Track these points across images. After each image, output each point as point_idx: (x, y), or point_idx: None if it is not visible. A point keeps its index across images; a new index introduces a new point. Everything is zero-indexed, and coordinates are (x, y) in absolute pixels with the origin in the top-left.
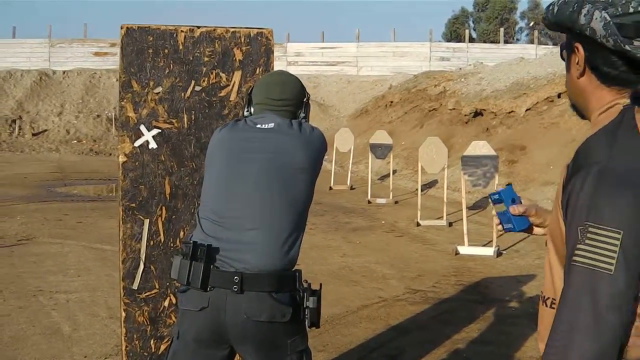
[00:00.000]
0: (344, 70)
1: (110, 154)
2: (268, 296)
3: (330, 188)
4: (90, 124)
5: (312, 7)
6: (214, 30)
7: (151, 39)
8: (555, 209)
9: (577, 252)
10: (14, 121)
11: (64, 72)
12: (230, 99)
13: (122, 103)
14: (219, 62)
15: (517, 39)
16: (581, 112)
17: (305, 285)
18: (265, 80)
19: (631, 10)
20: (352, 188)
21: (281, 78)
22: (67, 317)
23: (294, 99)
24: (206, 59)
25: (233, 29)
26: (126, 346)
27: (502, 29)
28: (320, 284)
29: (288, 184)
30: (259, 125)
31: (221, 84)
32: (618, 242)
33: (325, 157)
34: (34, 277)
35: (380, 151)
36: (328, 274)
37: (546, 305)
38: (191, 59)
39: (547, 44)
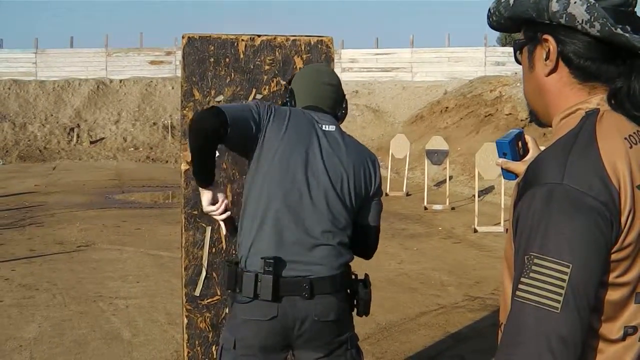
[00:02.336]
0: (399, 76)
1: (167, 162)
2: (332, 297)
3: (386, 194)
4: (147, 132)
5: (366, 13)
6: (275, 38)
7: (212, 48)
8: (509, 232)
9: (520, 285)
10: (72, 129)
11: (120, 80)
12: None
13: (184, 112)
14: (280, 70)
15: None
16: (541, 118)
17: (353, 277)
18: (314, 78)
19: None
20: (408, 194)
21: (331, 79)
22: (127, 323)
23: (341, 100)
24: (267, 67)
25: (293, 37)
26: (188, 352)
27: None
28: (366, 274)
29: (345, 191)
30: (323, 128)
31: (282, 92)
32: (566, 277)
33: (381, 162)
34: (94, 283)
35: (437, 157)
36: (385, 280)
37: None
38: (252, 67)
39: None
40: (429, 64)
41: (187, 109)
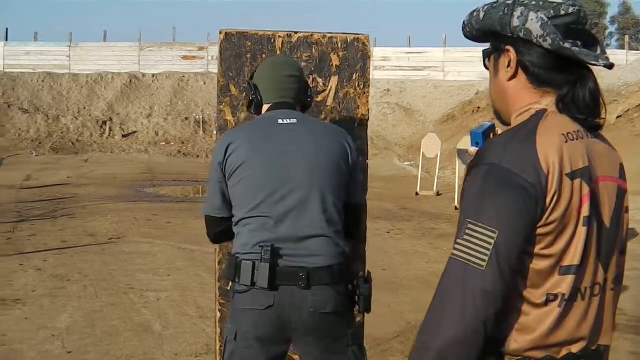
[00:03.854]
0: (431, 75)
1: (198, 156)
2: (330, 289)
3: (417, 194)
4: (179, 126)
5: (399, 12)
6: (311, 35)
7: (249, 44)
8: None
9: (455, 245)
10: (104, 123)
11: (153, 75)
12: (327, 104)
13: (221, 107)
14: (316, 67)
15: (607, 44)
16: (503, 116)
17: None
18: (275, 72)
19: (562, 12)
20: (438, 194)
21: (291, 70)
22: (158, 315)
23: (305, 89)
24: (303, 64)
25: (330, 35)
26: (220, 345)
27: None
28: (369, 272)
29: (334, 180)
30: (281, 121)
31: (318, 89)
32: (492, 241)
33: (412, 162)
34: (125, 275)
35: (468, 157)
36: (414, 279)
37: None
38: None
39: (637, 50)
40: (462, 63)
41: (223, 104)
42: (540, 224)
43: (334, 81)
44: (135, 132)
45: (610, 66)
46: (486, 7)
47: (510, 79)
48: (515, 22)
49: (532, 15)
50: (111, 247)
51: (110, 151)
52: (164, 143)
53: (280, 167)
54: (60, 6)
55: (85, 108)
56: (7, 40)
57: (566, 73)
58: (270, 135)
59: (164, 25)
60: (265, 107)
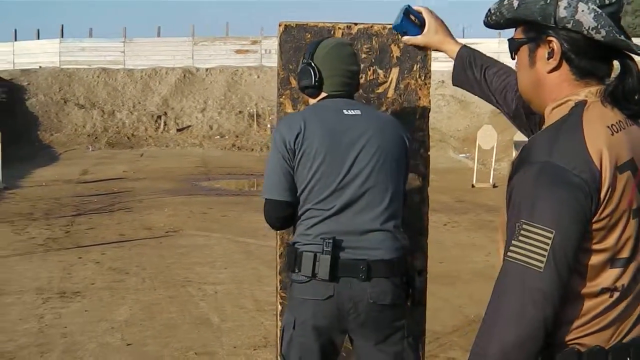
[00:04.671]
0: None
1: (252, 150)
2: (388, 281)
3: (473, 186)
4: (233, 120)
5: (454, 3)
6: (371, 27)
7: (309, 36)
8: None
9: (511, 247)
10: (159, 117)
11: (206, 69)
12: (388, 96)
13: (281, 99)
14: (377, 58)
15: None
16: (534, 107)
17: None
18: (342, 65)
19: (607, 2)
20: (494, 186)
21: (356, 62)
22: (215, 308)
23: (359, 80)
24: (364, 55)
25: (390, 26)
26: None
27: None
28: (419, 270)
29: (397, 173)
30: (346, 112)
31: (378, 81)
32: (549, 241)
33: (467, 154)
34: (182, 268)
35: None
36: (472, 272)
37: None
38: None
39: None
40: None
41: (283, 96)
42: (595, 219)
43: (394, 73)
44: (189, 126)
45: None
46: None
47: (552, 71)
48: (563, 12)
49: (582, 5)
50: (168, 240)
51: (165, 145)
52: (218, 137)
53: (347, 160)
54: (115, 2)
55: (139, 103)
56: (62, 37)
57: (608, 62)
58: (337, 125)
59: (217, 20)
60: (322, 94)
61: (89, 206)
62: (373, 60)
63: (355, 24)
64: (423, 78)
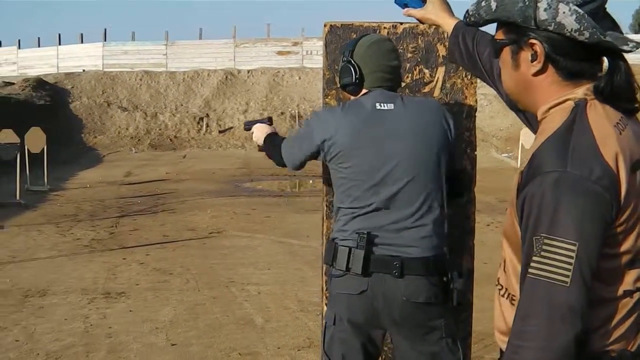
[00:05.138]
0: None
1: None
2: (424, 279)
3: None
4: (275, 122)
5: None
6: (417, 26)
7: (354, 35)
8: (511, 213)
9: (533, 264)
10: (201, 119)
11: (248, 71)
12: (434, 95)
13: (327, 100)
14: (422, 58)
15: None
16: (523, 107)
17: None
18: (383, 61)
19: None
20: None
21: (397, 57)
22: (259, 309)
23: (401, 74)
24: (409, 55)
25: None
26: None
27: None
28: (459, 271)
29: (435, 167)
30: (379, 106)
31: (425, 80)
32: (574, 254)
33: (510, 153)
34: (226, 269)
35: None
36: None
37: (505, 298)
38: None
39: None
40: None
41: (329, 97)
42: (615, 224)
43: (440, 72)
44: (231, 127)
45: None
46: None
47: (537, 73)
48: (543, 14)
49: (562, 7)
50: (211, 241)
51: (208, 147)
52: None
53: (382, 157)
54: (157, 6)
55: (182, 105)
56: (105, 40)
57: (597, 61)
58: (371, 122)
59: (258, 21)
60: (363, 91)
61: (132, 207)
62: (419, 60)
63: (401, 23)
64: (469, 77)
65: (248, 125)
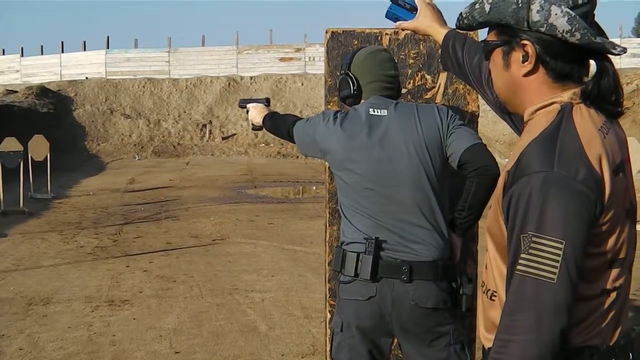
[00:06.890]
0: None
1: (297, 157)
2: (433, 284)
3: None
4: None
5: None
6: None
7: (356, 42)
8: (495, 211)
9: (521, 261)
10: (204, 125)
11: (251, 77)
12: (436, 101)
13: (329, 106)
14: (424, 63)
15: None
16: (511, 108)
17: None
18: (379, 71)
19: (580, 2)
20: None
21: (394, 67)
22: (263, 316)
23: (399, 83)
24: (411, 61)
25: None
26: (330, 347)
27: None
28: (470, 277)
29: (434, 170)
30: (373, 112)
31: (427, 86)
32: (561, 252)
33: None
34: (230, 276)
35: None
36: None
37: (487, 296)
38: (396, 61)
39: None
40: None
41: (331, 103)
42: (598, 223)
43: (442, 77)
44: (234, 134)
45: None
46: (491, 0)
47: (527, 74)
48: (536, 16)
49: (555, 9)
50: (215, 248)
51: (211, 153)
52: (263, 144)
53: (381, 163)
54: (160, 13)
55: (185, 112)
56: (108, 48)
57: (585, 65)
58: (365, 129)
59: (260, 28)
60: (362, 101)
61: (136, 215)
62: (421, 66)
63: (403, 29)
64: None
65: (243, 103)
